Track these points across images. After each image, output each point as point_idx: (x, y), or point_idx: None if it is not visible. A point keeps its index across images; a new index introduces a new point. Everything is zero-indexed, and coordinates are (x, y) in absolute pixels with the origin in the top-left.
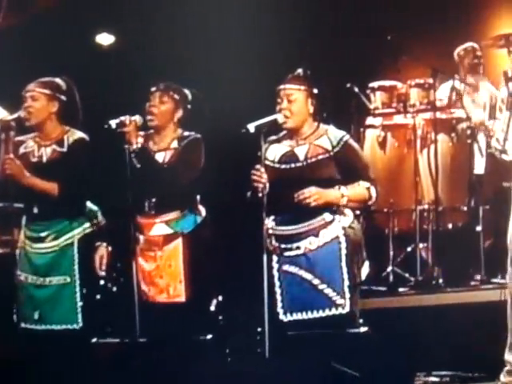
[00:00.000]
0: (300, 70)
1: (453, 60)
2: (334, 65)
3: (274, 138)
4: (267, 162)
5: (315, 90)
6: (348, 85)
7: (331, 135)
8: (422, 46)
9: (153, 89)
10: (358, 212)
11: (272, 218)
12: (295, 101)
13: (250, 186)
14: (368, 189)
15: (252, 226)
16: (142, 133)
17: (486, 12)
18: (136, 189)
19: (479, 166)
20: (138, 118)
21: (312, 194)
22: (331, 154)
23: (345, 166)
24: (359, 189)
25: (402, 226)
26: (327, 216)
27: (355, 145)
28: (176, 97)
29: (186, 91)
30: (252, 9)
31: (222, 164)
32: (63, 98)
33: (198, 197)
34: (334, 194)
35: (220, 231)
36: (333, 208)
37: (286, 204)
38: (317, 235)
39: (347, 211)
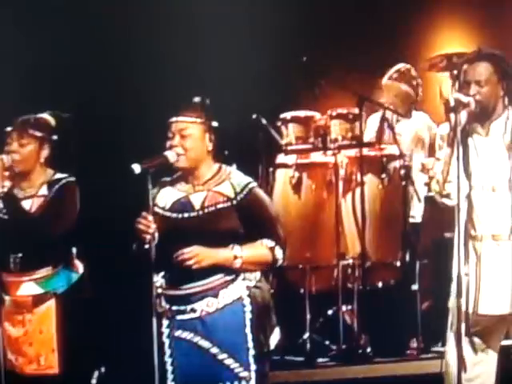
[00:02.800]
0: (197, 99)
1: (380, 88)
2: (238, 92)
3: (166, 179)
4: (157, 209)
5: (214, 123)
6: (254, 115)
7: (234, 181)
8: (346, 69)
9: (8, 129)
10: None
11: (162, 274)
12: (189, 136)
13: (136, 237)
14: (272, 249)
15: (139, 284)
16: (7, 173)
17: (424, 29)
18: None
19: (416, 213)
20: (5, 157)
21: (194, 255)
22: (233, 202)
23: (248, 218)
24: (260, 250)
25: (321, 285)
26: (228, 273)
27: (262, 194)
28: (38, 134)
29: (49, 118)
30: (144, 32)
31: (102, 211)
32: None
33: (74, 250)
34: (224, 254)
35: (101, 290)
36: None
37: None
38: (216, 296)
39: None
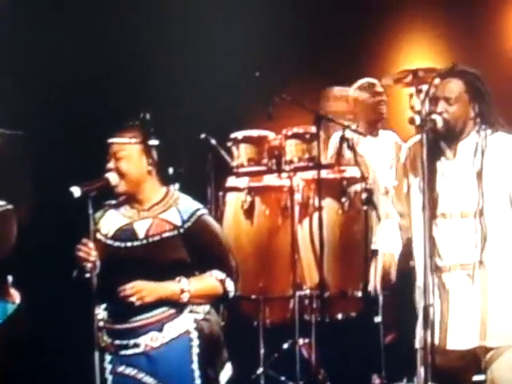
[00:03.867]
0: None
1: (343, 101)
2: (184, 109)
3: (110, 203)
4: (99, 236)
5: (154, 142)
6: (203, 135)
7: (182, 207)
8: (302, 84)
9: None
10: None
11: (104, 306)
12: (124, 158)
13: (77, 265)
14: (222, 281)
15: (80, 315)
16: None
17: (389, 44)
18: None
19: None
20: None
21: (137, 290)
22: (180, 231)
23: (196, 248)
24: (209, 282)
25: (275, 317)
26: (174, 306)
27: (211, 222)
28: None
29: None
30: (89, 49)
31: (41, 236)
32: None
33: (10, 278)
34: (170, 288)
35: (39, 322)
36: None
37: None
38: (160, 330)
39: None
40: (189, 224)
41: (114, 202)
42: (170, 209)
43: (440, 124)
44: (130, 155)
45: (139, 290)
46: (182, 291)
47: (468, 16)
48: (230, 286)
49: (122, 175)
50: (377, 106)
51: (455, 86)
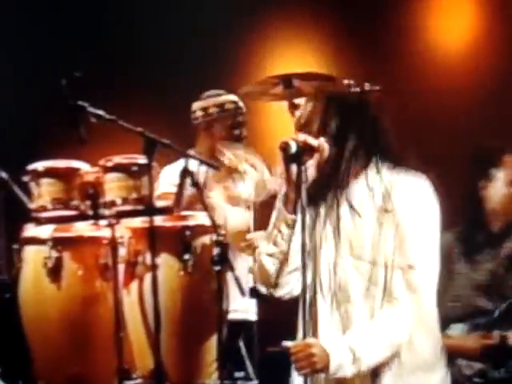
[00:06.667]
0: None
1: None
2: None
3: None
4: None
5: None
6: None
7: None
8: (131, 97)
9: None
10: None
11: None
12: None
13: None
14: None
15: None
16: None
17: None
18: None
19: (244, 308)
20: None
21: None
22: None
23: None
24: None
25: None
26: None
27: None
28: None
29: None
30: None
31: None
32: None
33: None
34: None
35: None
36: None
37: None
38: None
39: None
40: None
41: None
42: None
43: (326, 153)
44: None
45: None
46: None
47: (354, 14)
48: None
49: None
50: (233, 128)
51: None
